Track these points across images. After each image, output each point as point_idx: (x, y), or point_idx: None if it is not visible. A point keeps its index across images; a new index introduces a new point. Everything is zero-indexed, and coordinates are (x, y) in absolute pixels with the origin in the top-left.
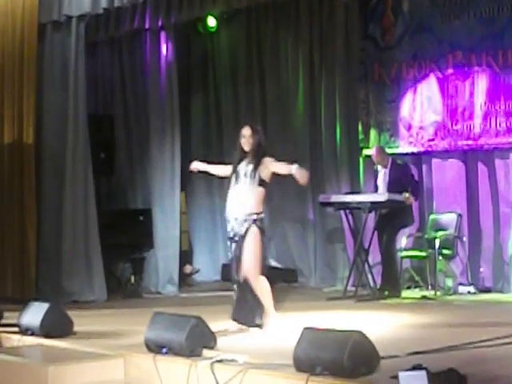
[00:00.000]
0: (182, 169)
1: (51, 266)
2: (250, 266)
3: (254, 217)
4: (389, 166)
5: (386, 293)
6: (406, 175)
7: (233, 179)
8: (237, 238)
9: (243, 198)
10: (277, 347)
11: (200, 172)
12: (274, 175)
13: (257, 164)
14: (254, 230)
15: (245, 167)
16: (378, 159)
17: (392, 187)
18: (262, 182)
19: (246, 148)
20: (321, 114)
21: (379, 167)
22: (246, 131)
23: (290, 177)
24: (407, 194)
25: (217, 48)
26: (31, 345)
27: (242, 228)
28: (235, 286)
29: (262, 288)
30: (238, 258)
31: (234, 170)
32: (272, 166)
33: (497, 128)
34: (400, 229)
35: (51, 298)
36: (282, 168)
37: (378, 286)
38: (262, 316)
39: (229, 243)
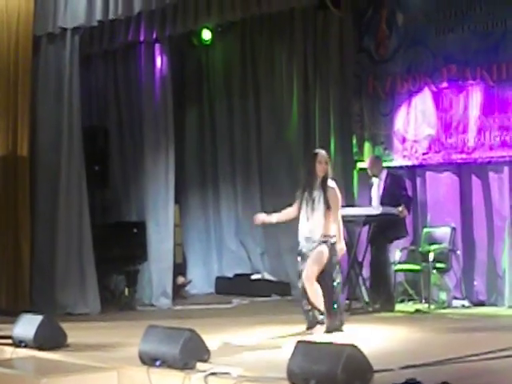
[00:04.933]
0: (176, 181)
1: (45, 279)
2: (310, 272)
3: (325, 238)
4: (383, 178)
5: (377, 306)
6: (400, 187)
7: (304, 203)
8: (307, 254)
9: (317, 225)
10: (271, 360)
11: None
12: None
13: (325, 189)
14: (323, 247)
15: (316, 193)
16: (372, 168)
17: (385, 199)
18: (330, 206)
19: (321, 174)
20: (315, 127)
21: (374, 179)
22: (324, 158)
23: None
24: (401, 208)
25: (211, 61)
26: (24, 357)
27: (312, 246)
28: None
29: (317, 293)
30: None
31: (308, 195)
32: (332, 204)
33: (491, 142)
34: (392, 240)
35: (45, 310)
36: (335, 222)
37: (369, 299)
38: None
39: (299, 259)
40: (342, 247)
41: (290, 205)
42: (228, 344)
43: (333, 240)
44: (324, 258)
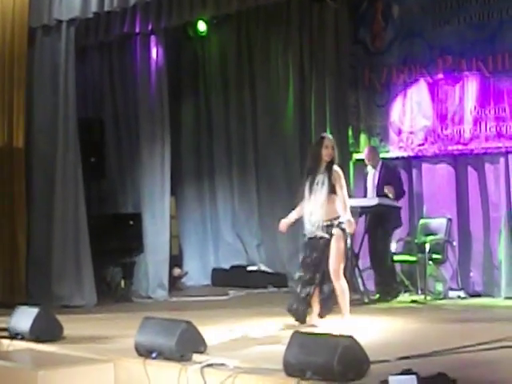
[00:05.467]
0: (172, 173)
1: (41, 271)
2: (336, 267)
3: (336, 222)
4: (378, 168)
5: (378, 296)
6: (395, 178)
7: (307, 188)
8: (319, 238)
9: (319, 207)
10: (267, 352)
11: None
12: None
13: (330, 173)
14: (339, 233)
15: (320, 176)
16: (369, 159)
17: (380, 189)
18: (334, 190)
19: (328, 159)
20: (311, 119)
21: (369, 168)
22: (331, 142)
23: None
24: (389, 190)
25: (207, 52)
26: (21, 349)
27: (324, 232)
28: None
29: (343, 290)
30: (319, 258)
31: (311, 179)
32: (337, 184)
33: (487, 133)
34: (392, 231)
35: (41, 302)
36: (340, 198)
37: (376, 291)
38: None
39: (305, 245)
40: (349, 218)
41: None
42: (230, 334)
43: (341, 219)
44: (343, 245)
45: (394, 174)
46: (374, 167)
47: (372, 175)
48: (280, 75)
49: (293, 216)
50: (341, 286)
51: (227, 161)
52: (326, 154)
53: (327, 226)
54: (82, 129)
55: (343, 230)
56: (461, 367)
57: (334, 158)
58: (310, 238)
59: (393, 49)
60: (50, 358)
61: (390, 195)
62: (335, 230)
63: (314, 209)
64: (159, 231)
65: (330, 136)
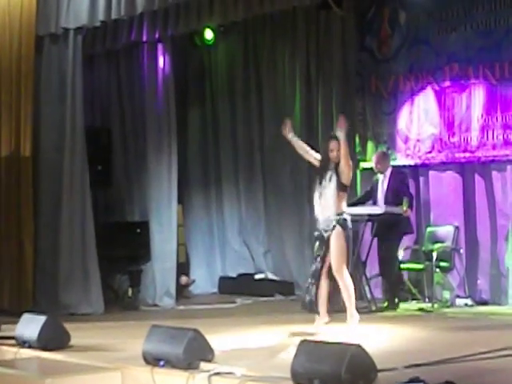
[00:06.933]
0: (179, 181)
1: (48, 279)
2: (337, 265)
3: (337, 217)
4: (388, 175)
5: (386, 303)
6: (403, 184)
7: (317, 184)
8: (324, 236)
9: (328, 203)
10: (274, 360)
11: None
12: (351, 177)
13: (338, 172)
14: (338, 229)
15: (329, 173)
16: (378, 164)
17: (389, 196)
18: (343, 187)
19: (334, 161)
20: (318, 126)
21: (379, 175)
22: (334, 145)
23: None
24: (405, 208)
25: (214, 60)
26: (28, 357)
27: (327, 229)
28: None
29: (347, 287)
30: (324, 255)
31: (320, 176)
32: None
33: (494, 140)
34: (400, 238)
35: (48, 310)
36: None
37: (384, 298)
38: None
39: (316, 243)
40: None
41: (315, 150)
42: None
43: (344, 216)
44: (343, 242)
45: (402, 180)
46: (383, 173)
47: (381, 182)
48: (287, 83)
49: (293, 137)
50: (345, 282)
51: (234, 168)
52: (331, 156)
53: (329, 222)
54: (89, 137)
55: (343, 227)
56: (468, 375)
57: (341, 157)
58: (320, 236)
59: (399, 56)
60: (58, 366)
61: (409, 212)
62: (336, 227)
63: (324, 205)
64: (166, 239)
65: (335, 141)
